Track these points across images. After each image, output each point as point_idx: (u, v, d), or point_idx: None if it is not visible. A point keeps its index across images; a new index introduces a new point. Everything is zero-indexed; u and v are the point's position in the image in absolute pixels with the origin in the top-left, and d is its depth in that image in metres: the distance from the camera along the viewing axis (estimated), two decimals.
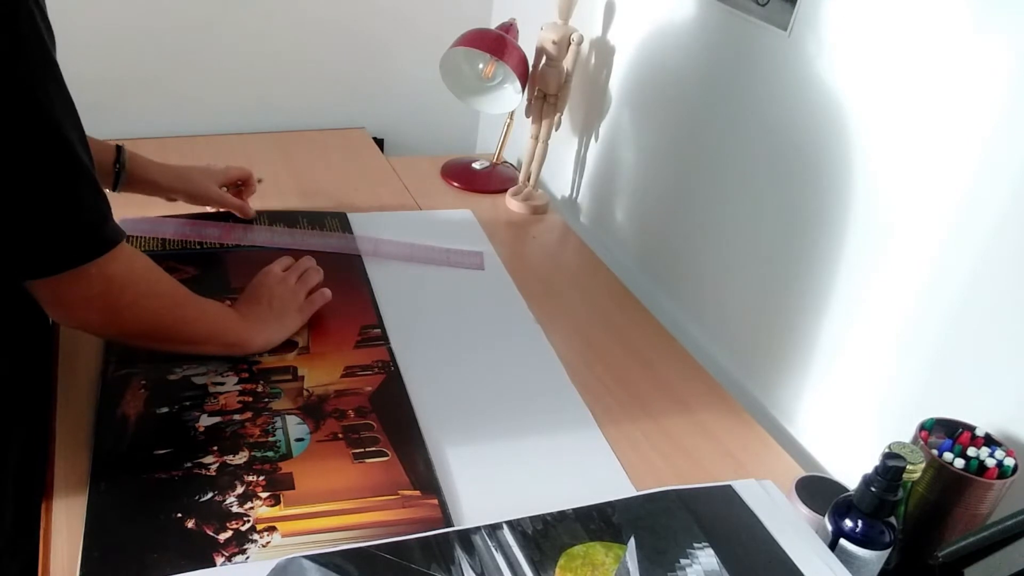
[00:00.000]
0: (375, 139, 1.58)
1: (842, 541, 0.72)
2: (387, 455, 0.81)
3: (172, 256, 1.06)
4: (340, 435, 0.83)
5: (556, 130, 1.32)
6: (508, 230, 1.29)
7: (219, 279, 1.04)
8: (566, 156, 1.43)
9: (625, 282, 1.20)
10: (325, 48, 1.53)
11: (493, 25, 1.37)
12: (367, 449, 0.82)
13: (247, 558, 0.69)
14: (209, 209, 1.16)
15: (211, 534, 0.71)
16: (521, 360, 0.99)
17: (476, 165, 1.44)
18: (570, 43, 1.24)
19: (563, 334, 1.05)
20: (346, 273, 1.08)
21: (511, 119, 1.41)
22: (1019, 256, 0.72)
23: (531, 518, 0.75)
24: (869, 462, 0.71)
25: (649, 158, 1.23)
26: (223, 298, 0.91)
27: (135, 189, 1.03)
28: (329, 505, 0.75)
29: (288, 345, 0.94)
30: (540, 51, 1.26)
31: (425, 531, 0.73)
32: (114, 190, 1.01)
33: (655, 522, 0.76)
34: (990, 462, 0.71)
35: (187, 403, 0.84)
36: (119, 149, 1.00)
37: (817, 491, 0.81)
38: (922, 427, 0.77)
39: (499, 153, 1.45)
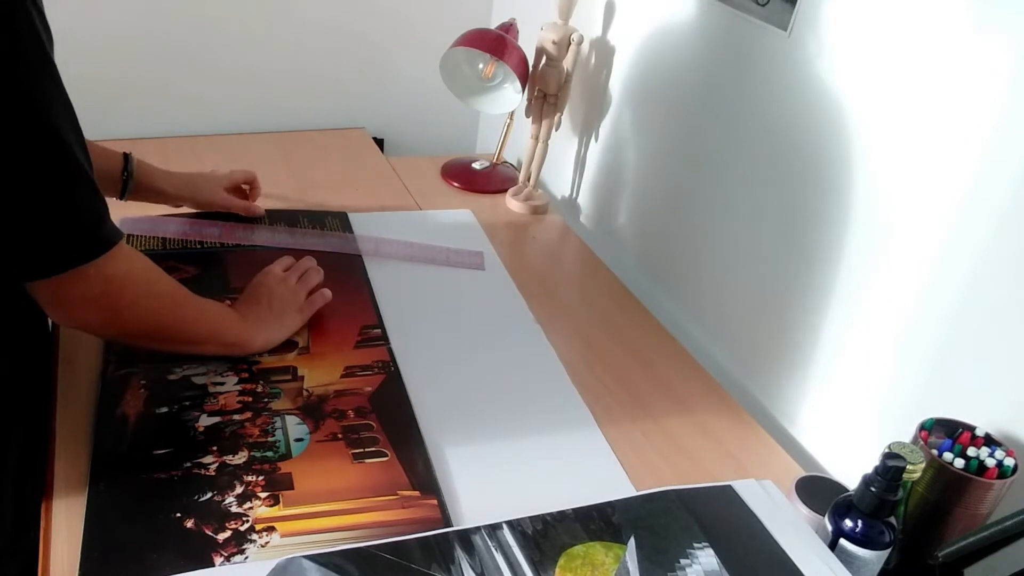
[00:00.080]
0: (375, 139, 1.58)
1: (842, 541, 0.72)
2: (386, 455, 0.81)
3: (172, 256, 1.06)
4: (340, 435, 0.83)
5: (556, 130, 1.32)
6: (508, 230, 1.29)
7: (219, 279, 1.04)
8: (566, 156, 1.43)
9: (625, 282, 1.20)
10: (325, 48, 1.53)
11: (493, 25, 1.37)
12: (366, 449, 0.82)
13: (246, 558, 0.69)
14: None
15: (210, 534, 0.71)
16: (521, 360, 0.99)
17: (476, 165, 1.44)
18: (570, 43, 1.23)
19: (563, 334, 1.05)
20: (346, 273, 1.08)
21: (511, 119, 1.41)
22: (1019, 256, 0.72)
23: (531, 518, 0.75)
24: (869, 462, 0.71)
25: (649, 158, 1.23)
26: (223, 298, 0.91)
27: (142, 197, 1.04)
28: (328, 505, 0.75)
29: (288, 345, 0.94)
30: (540, 51, 1.26)
31: (424, 531, 0.73)
32: (121, 198, 1.01)
33: (655, 522, 0.76)
34: (990, 462, 0.71)
35: (187, 403, 0.84)
36: (127, 157, 1.01)
37: (817, 491, 0.81)
38: (922, 427, 0.76)
39: (499, 153, 1.45)
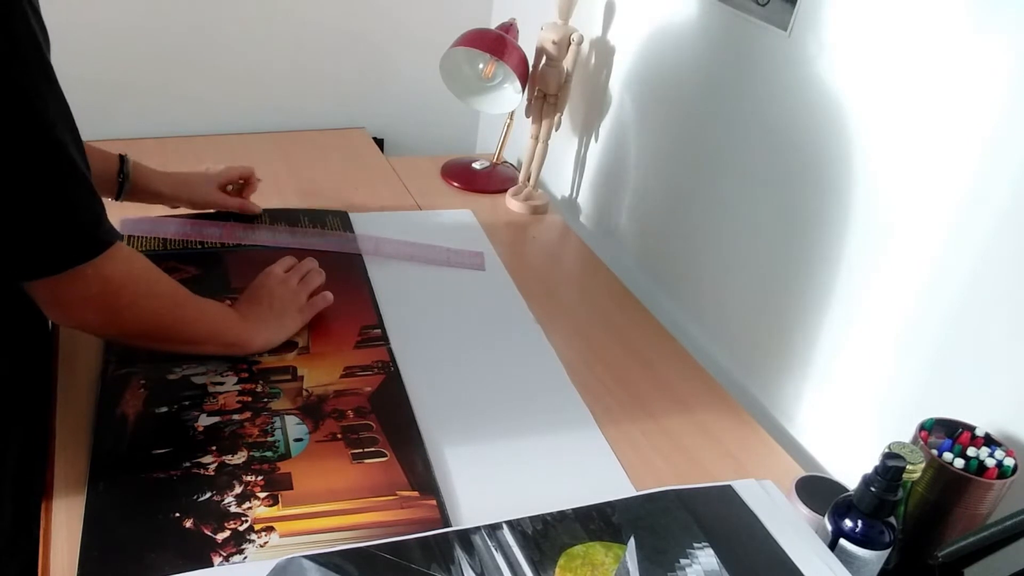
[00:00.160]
0: (375, 139, 1.58)
1: (842, 541, 0.72)
2: (386, 455, 0.81)
3: (173, 256, 1.06)
4: (339, 435, 0.83)
5: (556, 130, 1.32)
6: (508, 230, 1.29)
7: (220, 279, 1.04)
8: (566, 156, 1.43)
9: (625, 282, 1.20)
10: (325, 48, 1.53)
11: (493, 25, 1.37)
12: (366, 449, 0.82)
13: (245, 558, 0.69)
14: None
15: (209, 534, 0.70)
16: (521, 360, 0.99)
17: (476, 165, 1.44)
18: (570, 43, 1.23)
19: (563, 334, 1.05)
20: (346, 273, 1.08)
21: (511, 119, 1.41)
22: (1019, 256, 0.72)
23: (531, 518, 0.75)
24: (869, 462, 0.71)
25: (649, 158, 1.22)
26: (223, 298, 0.91)
27: (138, 198, 1.04)
28: (327, 505, 0.75)
29: (288, 345, 0.94)
30: (540, 51, 1.26)
31: (424, 531, 0.73)
32: (117, 199, 1.01)
33: (655, 522, 0.76)
34: (990, 462, 0.71)
35: (186, 403, 0.84)
36: (122, 159, 1.01)
37: (817, 491, 0.81)
38: (922, 427, 0.76)
39: (499, 153, 1.45)
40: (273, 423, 0.83)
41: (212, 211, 1.15)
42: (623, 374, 1.00)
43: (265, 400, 0.86)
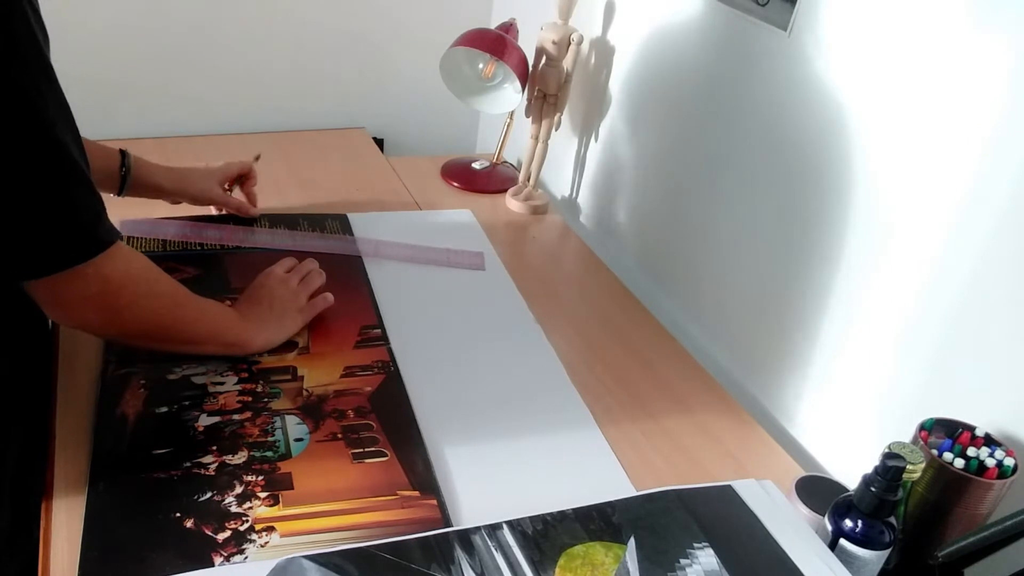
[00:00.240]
0: (375, 139, 1.58)
1: (842, 541, 0.72)
2: (386, 455, 0.81)
3: (173, 257, 1.06)
4: (339, 435, 0.83)
5: (556, 130, 1.32)
6: (508, 230, 1.29)
7: (220, 279, 1.04)
8: (566, 156, 1.43)
9: (625, 282, 1.20)
10: (325, 48, 1.53)
11: (493, 25, 1.37)
12: (366, 449, 0.82)
13: (245, 558, 0.69)
14: (212, 211, 1.16)
15: (210, 534, 0.70)
16: (521, 360, 0.99)
17: (476, 165, 1.44)
18: (570, 43, 1.23)
19: (563, 334, 1.05)
20: (346, 273, 1.08)
21: (511, 119, 1.41)
22: (1019, 256, 0.72)
23: (531, 518, 0.75)
24: (869, 462, 0.71)
25: (649, 158, 1.23)
26: (223, 299, 0.91)
27: (140, 193, 1.03)
28: (327, 505, 0.75)
29: (288, 345, 0.94)
30: (540, 51, 1.26)
31: (424, 531, 0.73)
32: (119, 195, 1.01)
33: (655, 522, 0.76)
34: (990, 462, 0.71)
35: (186, 403, 0.84)
36: (123, 154, 1.01)
37: (817, 491, 0.81)
38: (922, 427, 0.76)
39: (499, 153, 1.45)
40: (273, 423, 0.83)
41: (212, 214, 1.15)
42: (623, 374, 1.00)
43: (265, 400, 0.86)
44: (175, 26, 1.41)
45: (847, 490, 0.77)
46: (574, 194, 1.43)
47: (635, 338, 1.07)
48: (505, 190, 1.38)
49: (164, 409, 0.83)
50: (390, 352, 0.95)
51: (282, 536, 0.71)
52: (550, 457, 0.85)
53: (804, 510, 0.79)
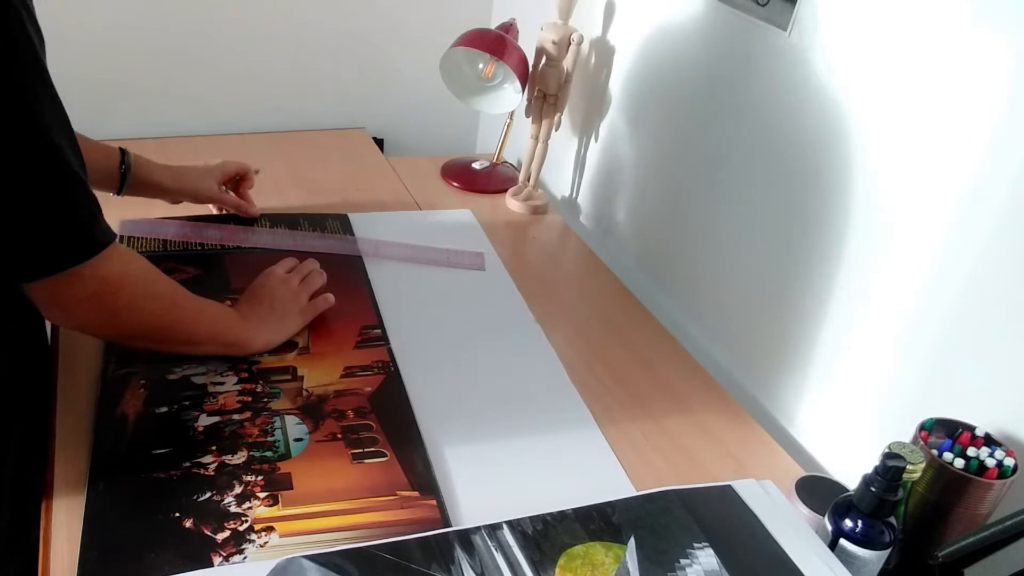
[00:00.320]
0: (375, 139, 1.58)
1: (842, 541, 0.72)
2: (386, 455, 0.81)
3: (173, 257, 1.06)
4: (339, 435, 0.83)
5: (556, 130, 1.32)
6: (508, 230, 1.29)
7: (220, 279, 1.04)
8: (566, 156, 1.43)
9: (625, 282, 1.20)
10: (325, 48, 1.53)
11: (493, 25, 1.37)
12: (366, 449, 0.82)
13: (244, 558, 0.69)
14: (212, 210, 1.16)
15: (209, 534, 0.70)
16: (521, 360, 0.99)
17: (476, 165, 1.44)
18: (570, 43, 1.23)
19: (563, 334, 1.05)
20: (346, 273, 1.08)
21: (511, 119, 1.41)
22: (1019, 256, 0.72)
23: (531, 518, 0.75)
24: (869, 462, 0.71)
25: (649, 158, 1.22)
26: (224, 299, 0.91)
27: (140, 192, 1.03)
28: (327, 505, 0.75)
29: (288, 345, 0.94)
30: (540, 51, 1.26)
31: (424, 531, 0.73)
32: (119, 193, 1.01)
33: (655, 522, 0.76)
34: (990, 462, 0.71)
35: (186, 403, 0.84)
36: (123, 152, 1.01)
37: (817, 491, 0.81)
38: (922, 427, 0.76)
39: (499, 153, 1.45)
40: (273, 423, 0.83)
41: (212, 214, 1.15)
42: (623, 374, 1.00)
43: (265, 400, 0.86)
44: (175, 26, 1.42)
45: (847, 490, 0.77)
46: (574, 194, 1.43)
47: (635, 338, 1.07)
48: (505, 190, 1.38)
49: (164, 409, 0.83)
50: (390, 352, 0.95)
51: (281, 536, 0.71)
52: (550, 457, 0.85)
53: (804, 510, 0.79)
